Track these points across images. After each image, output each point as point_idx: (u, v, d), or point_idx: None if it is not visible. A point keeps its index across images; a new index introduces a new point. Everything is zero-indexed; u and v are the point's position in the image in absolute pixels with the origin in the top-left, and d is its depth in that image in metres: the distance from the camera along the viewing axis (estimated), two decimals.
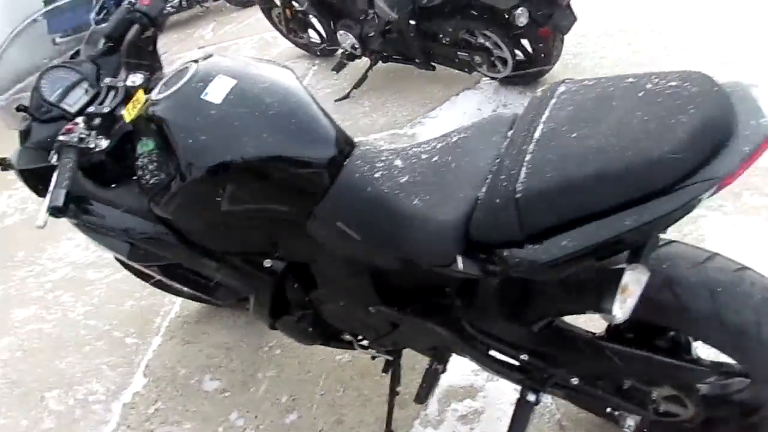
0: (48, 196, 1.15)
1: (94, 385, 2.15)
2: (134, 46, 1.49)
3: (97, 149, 1.34)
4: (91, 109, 1.37)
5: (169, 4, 1.55)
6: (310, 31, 4.00)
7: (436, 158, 1.14)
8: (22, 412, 2.13)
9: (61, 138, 1.23)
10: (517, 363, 1.26)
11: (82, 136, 1.25)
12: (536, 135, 0.97)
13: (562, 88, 1.05)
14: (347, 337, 1.56)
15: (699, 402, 1.21)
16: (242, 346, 2.11)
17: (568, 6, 2.67)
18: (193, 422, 1.89)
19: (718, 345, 1.07)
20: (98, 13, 1.78)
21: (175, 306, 2.36)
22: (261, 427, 1.81)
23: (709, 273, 1.04)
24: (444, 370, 1.42)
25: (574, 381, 1.22)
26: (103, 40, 1.47)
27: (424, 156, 1.16)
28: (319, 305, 1.46)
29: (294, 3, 3.79)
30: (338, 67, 3.63)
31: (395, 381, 1.56)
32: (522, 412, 1.24)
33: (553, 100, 1.03)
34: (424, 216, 1.05)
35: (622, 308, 0.92)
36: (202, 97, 1.19)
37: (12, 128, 1.51)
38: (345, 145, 1.25)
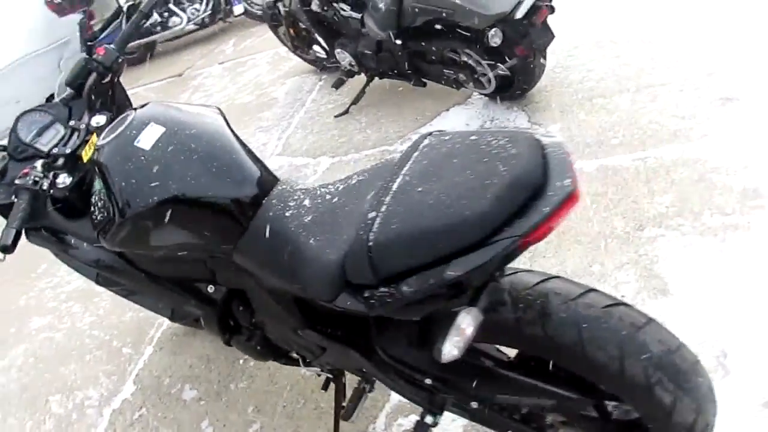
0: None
1: (91, 391, 2.35)
2: (97, 91, 1.65)
3: (61, 186, 1.51)
4: (55, 150, 1.54)
5: (125, 55, 1.69)
6: (316, 47, 4.14)
7: (335, 199, 1.25)
8: (29, 414, 2.35)
9: (17, 181, 1.39)
10: (422, 387, 1.35)
11: (36, 178, 1.41)
12: (394, 187, 1.07)
13: (426, 141, 1.14)
14: (294, 355, 1.68)
15: (592, 426, 1.27)
16: (221, 357, 2.26)
17: (544, 24, 2.72)
18: (169, 429, 2.05)
19: (587, 376, 1.14)
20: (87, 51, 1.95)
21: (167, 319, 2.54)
22: None
23: (579, 308, 1.11)
24: (371, 390, 1.53)
25: (473, 405, 1.31)
26: (66, 88, 1.63)
27: (327, 197, 1.27)
28: (263, 326, 1.59)
29: (298, 22, 3.95)
30: (338, 84, 3.76)
31: (339, 397, 1.67)
32: None
33: (416, 153, 1.12)
34: (315, 255, 1.16)
35: (449, 347, 1.01)
36: (134, 143, 1.33)
37: None
38: (266, 183, 1.36)
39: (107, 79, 1.65)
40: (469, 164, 1.01)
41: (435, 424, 1.30)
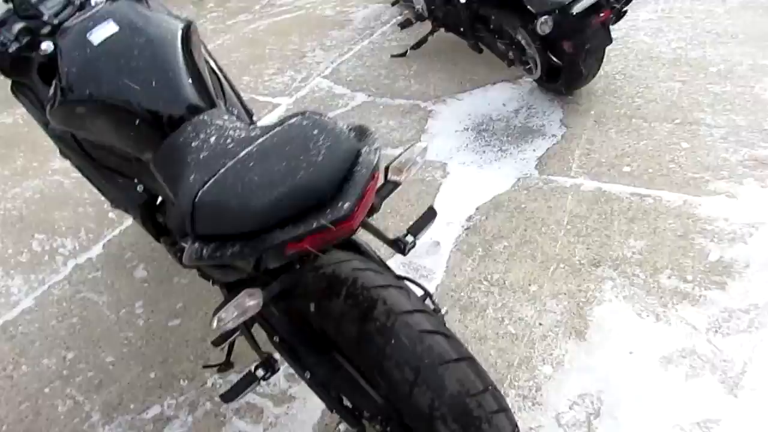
0: None
1: (68, 240, 2.58)
2: None
3: (42, 53, 1.61)
4: (49, 18, 1.64)
5: None
6: None
7: (229, 146, 1.28)
8: (12, 243, 2.61)
9: None
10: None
11: (6, 41, 1.52)
12: (241, 153, 1.09)
13: (293, 120, 1.14)
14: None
15: None
16: None
17: (603, 26, 2.53)
18: (110, 297, 2.25)
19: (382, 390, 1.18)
20: None
21: None
22: (150, 321, 2.12)
23: (400, 324, 1.12)
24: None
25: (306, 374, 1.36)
26: None
27: (227, 141, 1.30)
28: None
29: None
30: (404, 24, 3.67)
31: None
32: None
33: (279, 128, 1.13)
34: (184, 192, 1.21)
35: (220, 318, 1.05)
36: (87, 35, 1.41)
37: None
38: (192, 109, 1.40)
39: None
40: (292, 154, 1.02)
41: (264, 379, 1.37)
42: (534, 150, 2.64)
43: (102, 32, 1.40)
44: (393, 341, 1.10)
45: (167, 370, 1.91)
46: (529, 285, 1.98)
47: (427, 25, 3.55)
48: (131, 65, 1.38)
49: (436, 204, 2.42)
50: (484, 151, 2.70)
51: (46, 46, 1.58)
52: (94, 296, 2.26)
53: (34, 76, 1.74)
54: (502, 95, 3.10)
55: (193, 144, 1.33)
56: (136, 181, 1.64)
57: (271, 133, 1.12)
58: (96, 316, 2.18)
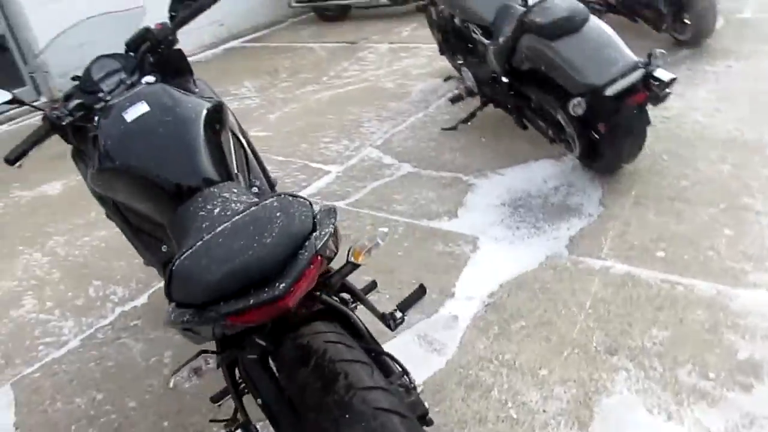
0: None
1: (120, 289, 2.79)
2: (156, 55, 1.94)
3: (93, 125, 1.82)
4: (107, 95, 1.86)
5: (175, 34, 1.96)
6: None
7: (226, 218, 1.39)
8: (73, 287, 2.85)
9: (47, 111, 1.73)
10: None
11: (60, 115, 1.73)
12: (218, 228, 1.18)
13: (269, 200, 1.23)
14: None
15: None
16: None
17: (640, 108, 2.52)
18: (144, 345, 2.39)
19: None
20: None
21: None
22: None
23: (357, 400, 1.15)
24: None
25: None
26: (124, 47, 1.94)
27: (227, 213, 1.41)
28: None
29: (447, 27, 4.02)
30: (455, 99, 3.80)
31: None
32: None
33: (255, 207, 1.21)
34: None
35: (175, 377, 1.11)
36: (122, 113, 1.59)
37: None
38: (206, 181, 1.54)
39: (160, 48, 1.93)
40: (252, 233, 1.10)
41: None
42: (568, 229, 2.62)
43: (135, 111, 1.58)
44: (348, 415, 1.13)
45: (179, 421, 1.99)
46: (540, 368, 1.94)
47: (477, 101, 3.65)
48: (156, 141, 1.55)
49: (461, 278, 2.44)
50: (517, 228, 2.70)
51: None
52: (131, 342, 2.42)
53: (89, 145, 1.96)
54: (544, 172, 3.11)
55: (200, 213, 1.45)
56: (161, 242, 1.78)
57: (248, 210, 1.21)
58: (128, 362, 2.32)
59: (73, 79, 1.99)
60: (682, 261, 2.28)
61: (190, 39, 6.58)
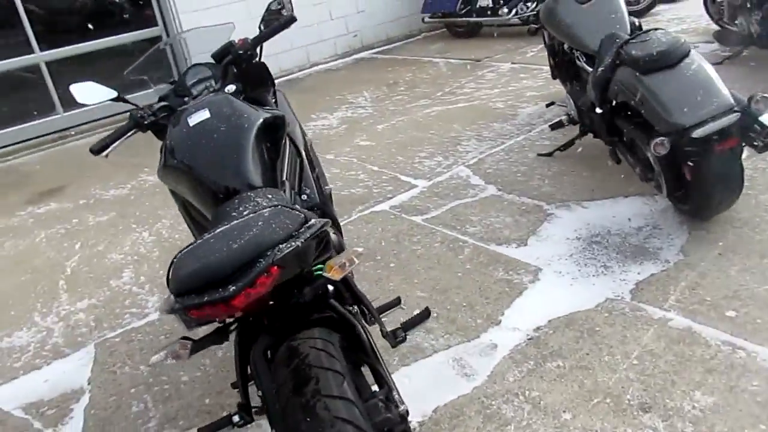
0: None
1: None
2: (239, 66, 2.15)
3: None
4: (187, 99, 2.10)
5: (257, 49, 2.14)
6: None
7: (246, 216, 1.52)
8: (165, 264, 3.18)
9: (132, 110, 1.98)
10: None
11: (144, 114, 1.97)
12: (219, 229, 1.30)
13: (267, 209, 1.32)
14: None
15: None
16: None
17: (731, 154, 2.32)
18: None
19: None
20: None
21: None
22: (227, 355, 2.43)
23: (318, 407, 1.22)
24: None
25: None
26: (211, 59, 2.17)
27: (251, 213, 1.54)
28: None
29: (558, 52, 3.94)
30: (555, 125, 3.71)
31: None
32: None
33: (252, 214, 1.32)
34: None
35: (153, 360, 1.24)
36: (187, 117, 1.79)
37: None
38: (245, 186, 1.69)
39: (242, 61, 2.13)
40: (231, 237, 1.21)
41: (238, 425, 1.54)
42: (638, 273, 2.48)
43: (198, 117, 1.78)
44: (308, 419, 1.21)
45: (218, 401, 2.18)
46: (564, 412, 1.87)
47: (578, 129, 3.55)
48: (209, 144, 1.73)
49: (511, 307, 2.40)
50: (585, 264, 2.60)
51: None
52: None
53: None
54: (631, 209, 2.95)
55: (232, 213, 1.59)
56: None
57: (244, 216, 1.33)
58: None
59: (170, 83, 2.26)
60: (753, 325, 2.07)
61: (325, 47, 7.01)
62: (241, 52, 2.09)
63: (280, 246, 1.17)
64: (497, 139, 4.14)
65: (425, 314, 1.72)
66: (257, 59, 2.18)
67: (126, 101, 2.12)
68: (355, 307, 1.75)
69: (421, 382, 2.10)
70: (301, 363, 1.32)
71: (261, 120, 1.81)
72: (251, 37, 2.18)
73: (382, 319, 1.88)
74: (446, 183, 3.62)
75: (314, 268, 1.61)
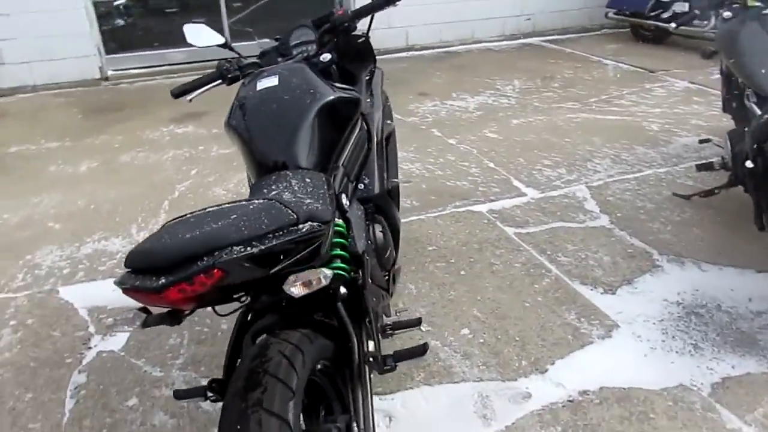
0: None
1: None
2: (338, 36, 2.07)
3: None
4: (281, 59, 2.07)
5: (356, 22, 2.03)
6: None
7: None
8: None
9: (219, 62, 1.99)
10: None
11: (229, 67, 1.97)
12: (210, 209, 1.23)
13: (260, 200, 1.23)
14: None
15: None
16: None
17: None
18: None
19: None
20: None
21: None
22: None
23: None
24: None
25: None
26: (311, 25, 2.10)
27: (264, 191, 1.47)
28: None
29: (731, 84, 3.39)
30: (702, 167, 3.22)
31: None
32: None
33: (241, 202, 1.24)
34: None
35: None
36: (258, 80, 1.76)
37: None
38: (291, 163, 1.62)
39: (338, 31, 2.04)
40: (201, 224, 1.13)
41: (210, 399, 1.51)
42: (732, 366, 2.08)
43: (266, 82, 1.73)
44: (239, 428, 1.14)
45: None
46: None
47: (727, 177, 3.05)
48: (267, 114, 1.68)
49: (566, 359, 2.15)
50: (673, 336, 2.24)
51: None
52: None
53: None
54: (756, 288, 2.49)
55: (263, 190, 1.55)
56: None
57: (237, 202, 1.26)
58: None
59: (276, 39, 2.24)
60: None
61: (493, 26, 6.72)
62: (337, 23, 2.01)
63: (235, 248, 1.08)
64: (635, 165, 3.70)
65: (421, 350, 1.57)
66: (364, 33, 2.09)
67: (232, 49, 2.13)
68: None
69: (435, 410, 1.96)
70: (260, 365, 1.24)
71: (330, 98, 1.73)
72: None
73: (397, 335, 1.76)
74: (558, 200, 3.31)
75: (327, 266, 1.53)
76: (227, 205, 1.22)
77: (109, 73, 5.91)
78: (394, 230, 2.05)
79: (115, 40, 5.91)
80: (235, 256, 1.04)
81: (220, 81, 2.00)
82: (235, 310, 1.33)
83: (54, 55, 5.61)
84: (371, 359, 1.44)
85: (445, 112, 4.84)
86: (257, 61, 2.03)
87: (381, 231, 1.86)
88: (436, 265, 2.75)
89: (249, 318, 1.57)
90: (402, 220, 3.11)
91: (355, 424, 1.33)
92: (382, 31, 6.49)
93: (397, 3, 2.03)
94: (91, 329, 2.39)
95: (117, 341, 2.33)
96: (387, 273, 1.94)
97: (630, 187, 3.41)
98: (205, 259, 1.04)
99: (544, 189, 3.44)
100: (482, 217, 3.16)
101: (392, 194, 2.04)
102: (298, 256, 1.19)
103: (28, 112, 5.24)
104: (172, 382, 2.11)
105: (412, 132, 4.42)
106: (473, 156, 3.94)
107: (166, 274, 1.05)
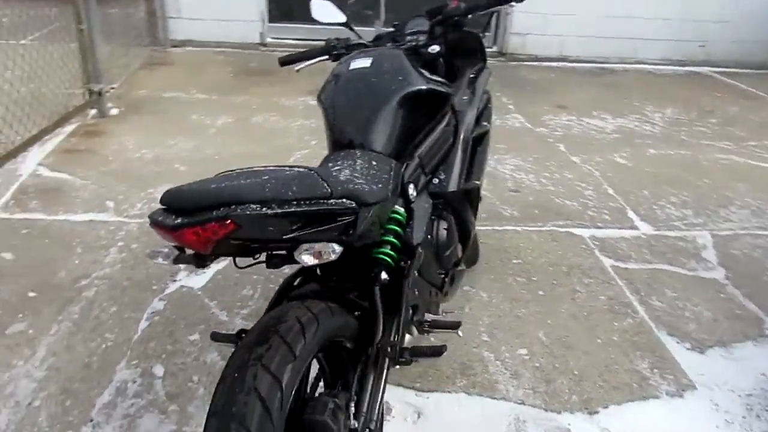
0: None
1: None
2: (448, 29, 2.06)
3: None
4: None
5: (469, 16, 1.99)
6: None
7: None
8: None
9: (327, 40, 2.05)
10: None
11: (335, 45, 2.03)
12: (257, 168, 1.28)
13: (303, 168, 1.25)
14: None
15: None
16: None
17: None
18: None
19: None
20: None
21: None
22: None
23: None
24: None
25: None
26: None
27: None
28: None
29: None
30: None
31: None
32: None
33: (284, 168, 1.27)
34: None
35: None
36: (353, 60, 1.80)
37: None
38: (362, 144, 1.65)
39: (447, 24, 2.03)
40: (250, 175, 1.18)
41: None
42: None
43: (359, 63, 1.77)
44: (236, 375, 1.18)
45: None
46: None
47: None
48: (353, 93, 1.72)
49: (622, 406, 1.98)
50: (758, 416, 1.98)
51: None
52: None
53: None
54: None
55: (328, 164, 1.59)
56: None
57: (287, 165, 1.29)
58: None
59: (394, 26, 2.27)
60: None
61: (659, 48, 6.29)
62: (447, 15, 1.99)
63: (252, 205, 1.11)
64: (746, 220, 3.29)
65: (438, 351, 1.52)
66: (479, 31, 2.07)
67: (351, 29, 2.20)
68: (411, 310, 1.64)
69: (466, 418, 1.91)
70: (274, 324, 1.28)
71: (418, 88, 1.72)
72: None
73: (434, 333, 1.73)
74: (672, 241, 3.03)
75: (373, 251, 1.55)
76: (269, 167, 1.26)
77: (268, 39, 6.33)
78: (464, 231, 2.00)
79: (279, 10, 6.32)
80: (248, 212, 1.08)
81: (326, 57, 2.07)
82: (250, 265, 1.36)
83: (223, 17, 6.12)
84: (389, 348, 1.43)
85: (579, 129, 4.61)
86: (365, 42, 2.07)
87: (445, 228, 1.83)
88: (516, 279, 2.65)
89: (296, 283, 1.64)
90: (497, 229, 3.04)
91: (353, 405, 1.33)
92: (535, 37, 6.31)
93: (513, 4, 1.96)
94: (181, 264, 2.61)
95: (198, 280, 2.53)
96: (445, 272, 1.91)
97: (763, 245, 3.04)
98: (221, 209, 1.09)
99: (661, 227, 3.17)
100: (581, 241, 2.99)
101: (471, 195, 1.99)
102: (320, 228, 1.21)
103: (190, 64, 5.78)
104: (233, 328, 2.25)
105: (537, 143, 4.27)
106: (593, 178, 3.72)
107: (185, 216, 1.11)
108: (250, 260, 1.35)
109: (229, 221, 1.06)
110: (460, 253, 2.03)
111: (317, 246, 1.22)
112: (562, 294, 2.55)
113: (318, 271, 1.63)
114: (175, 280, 2.52)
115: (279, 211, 1.10)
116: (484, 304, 2.46)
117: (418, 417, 1.91)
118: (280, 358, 1.21)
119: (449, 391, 2.01)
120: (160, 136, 4.01)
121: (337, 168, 1.52)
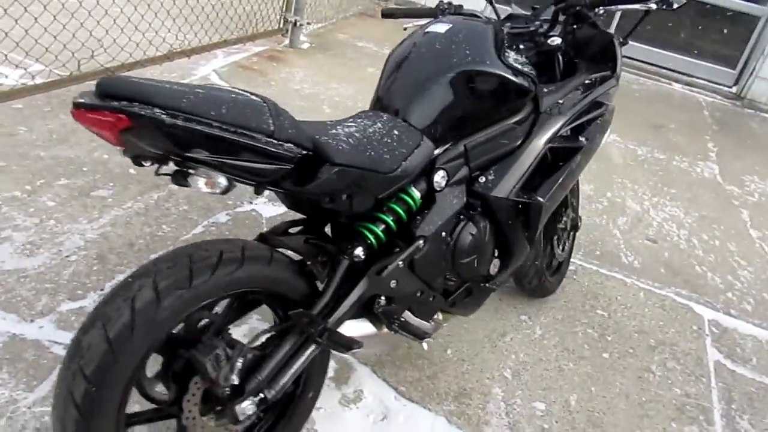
0: None
1: None
2: (580, 25, 1.80)
3: None
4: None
5: (596, 10, 1.67)
6: None
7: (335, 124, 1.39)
8: None
9: (441, 2, 1.90)
10: None
11: (443, 9, 1.87)
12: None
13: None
14: None
15: None
16: None
17: None
18: None
19: None
20: None
21: None
22: None
23: None
24: None
25: None
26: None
27: (339, 130, 1.39)
28: None
29: None
30: None
31: None
32: None
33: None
34: None
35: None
36: (433, 24, 1.65)
37: None
38: (399, 111, 1.51)
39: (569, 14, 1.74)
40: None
41: None
42: None
43: (436, 27, 1.60)
44: (121, 284, 1.17)
45: None
46: None
47: None
48: (411, 55, 1.59)
49: None
50: None
51: None
52: None
53: None
54: None
55: (349, 119, 1.49)
56: None
57: (252, 93, 1.19)
58: None
59: (533, 8, 2.04)
60: None
61: None
62: (570, 5, 1.70)
63: (157, 110, 1.03)
64: None
65: (353, 345, 1.35)
66: (615, 35, 1.78)
67: (492, 5, 2.03)
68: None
69: None
70: (197, 249, 1.24)
71: (485, 70, 1.53)
72: None
73: (400, 335, 1.56)
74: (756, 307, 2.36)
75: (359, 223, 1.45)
76: (232, 89, 1.20)
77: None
78: (507, 249, 1.75)
79: None
80: (144, 113, 1.01)
81: (432, 19, 1.93)
82: (163, 174, 1.25)
83: None
84: (305, 320, 1.31)
85: (645, 153, 3.81)
86: (477, 14, 1.88)
87: (471, 234, 1.61)
88: (587, 330, 2.28)
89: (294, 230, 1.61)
90: (603, 272, 2.63)
91: (240, 360, 1.24)
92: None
93: (652, 7, 1.61)
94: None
95: (270, 210, 2.60)
96: (461, 281, 1.69)
97: None
98: (124, 102, 1.03)
99: (747, 292, 2.49)
100: (697, 322, 2.46)
101: (527, 212, 1.72)
102: (236, 160, 1.11)
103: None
104: None
105: (716, 200, 3.60)
106: (762, 260, 3.03)
107: (100, 99, 1.07)
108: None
109: (124, 116, 1.01)
110: (494, 270, 1.79)
111: (210, 173, 1.13)
112: (629, 366, 2.14)
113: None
114: (250, 203, 2.61)
115: (179, 123, 1.02)
116: (531, 340, 2.16)
117: (382, 419, 1.75)
118: (172, 282, 1.17)
119: (429, 409, 1.81)
120: (327, 77, 4.16)
121: (346, 124, 1.41)
